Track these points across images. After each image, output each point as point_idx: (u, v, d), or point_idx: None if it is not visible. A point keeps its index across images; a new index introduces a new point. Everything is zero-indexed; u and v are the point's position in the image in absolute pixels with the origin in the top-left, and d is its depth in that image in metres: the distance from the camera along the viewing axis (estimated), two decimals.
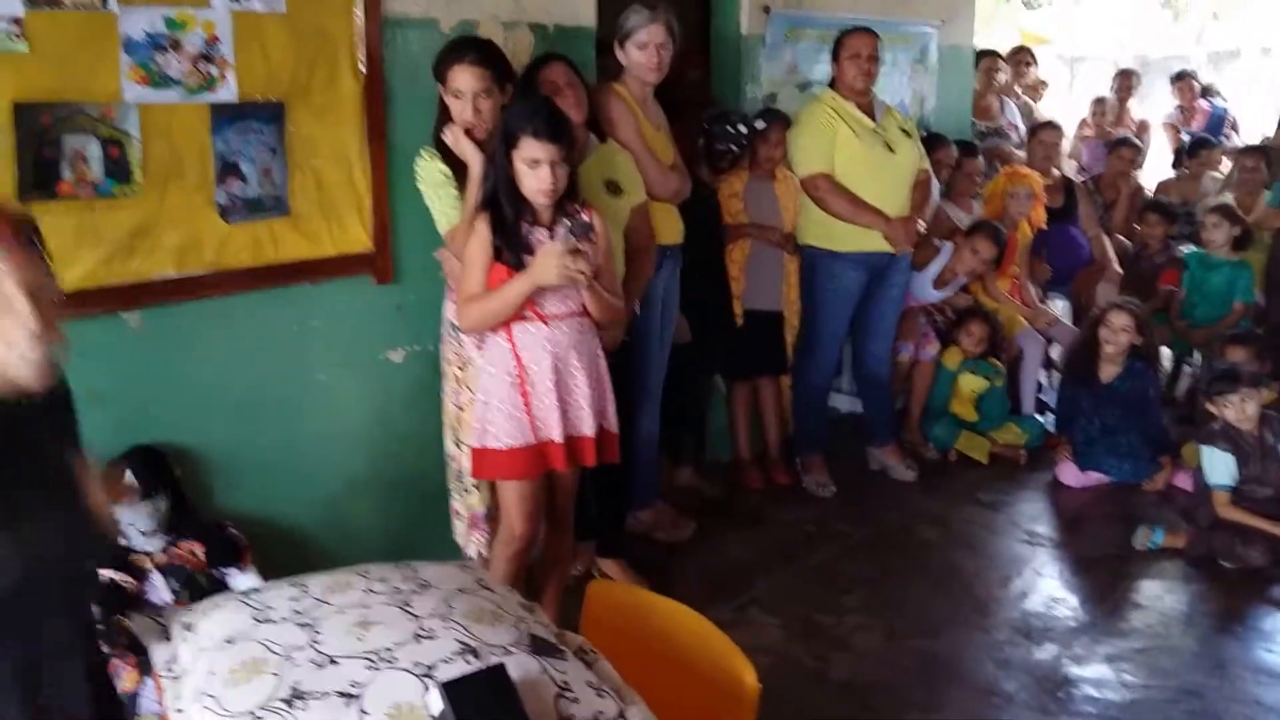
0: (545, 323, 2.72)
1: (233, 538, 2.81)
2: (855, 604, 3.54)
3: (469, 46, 2.94)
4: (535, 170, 2.62)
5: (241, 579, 2.78)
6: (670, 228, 3.59)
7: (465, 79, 2.86)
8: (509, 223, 2.67)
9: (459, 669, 1.53)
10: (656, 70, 3.42)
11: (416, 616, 1.67)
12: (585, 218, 2.75)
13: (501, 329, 2.73)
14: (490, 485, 3.00)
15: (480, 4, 3.29)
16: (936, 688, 3.09)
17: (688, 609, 2.01)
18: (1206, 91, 8.06)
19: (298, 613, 1.69)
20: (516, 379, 2.72)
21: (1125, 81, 7.51)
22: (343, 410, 3.20)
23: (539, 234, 2.71)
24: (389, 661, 1.55)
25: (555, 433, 2.75)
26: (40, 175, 2.46)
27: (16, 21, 2.36)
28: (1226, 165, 6.57)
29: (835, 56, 4.20)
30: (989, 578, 3.81)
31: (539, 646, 1.65)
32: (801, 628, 3.37)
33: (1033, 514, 4.41)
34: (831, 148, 4.15)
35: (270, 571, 2.78)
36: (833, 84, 4.25)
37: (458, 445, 3.06)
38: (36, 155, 2.44)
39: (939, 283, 4.84)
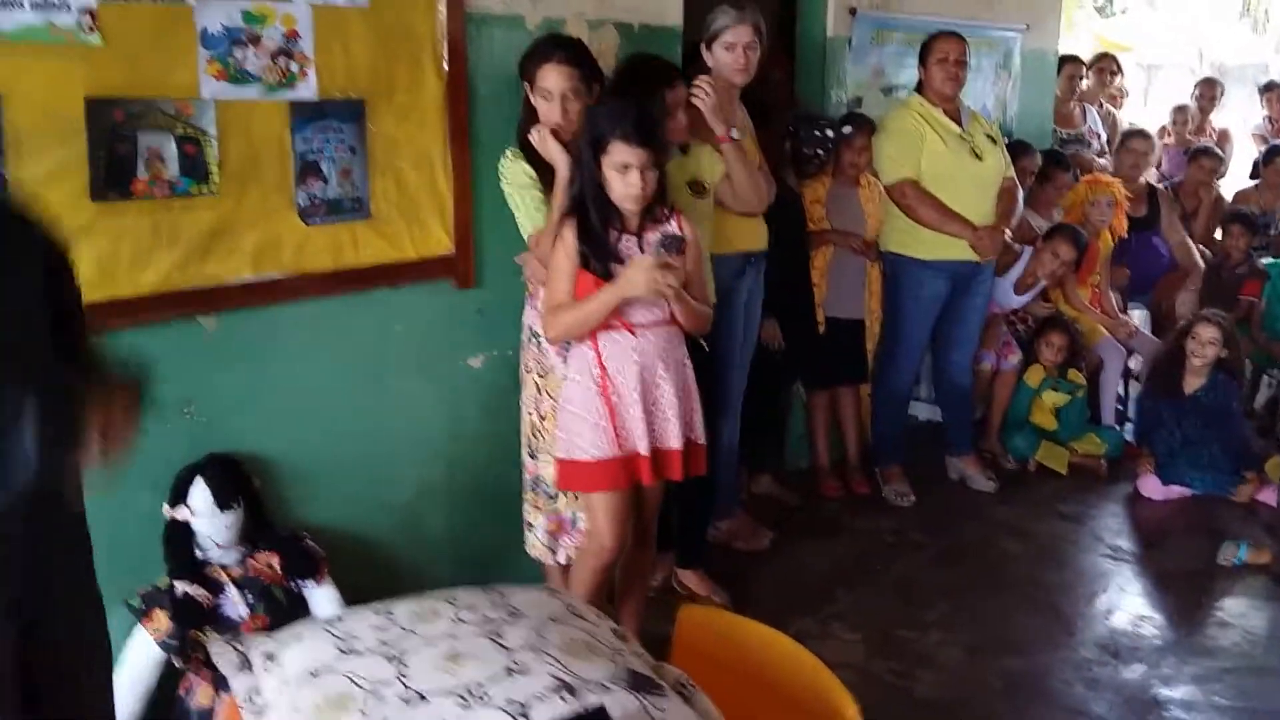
0: (632, 332, 2.48)
1: (309, 549, 2.57)
2: (937, 618, 3.28)
3: (558, 45, 2.70)
4: (625, 175, 2.39)
5: (318, 591, 2.55)
6: (753, 234, 3.30)
7: (554, 78, 2.62)
8: (596, 230, 2.44)
9: (555, 708, 1.37)
10: (744, 71, 3.13)
11: (508, 649, 1.50)
12: (676, 228, 2.50)
13: (587, 338, 2.49)
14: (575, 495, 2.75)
15: (566, 2, 3.02)
16: (1023, 707, 2.87)
17: (784, 636, 1.81)
18: None
19: (384, 644, 1.53)
20: (601, 389, 2.49)
21: (1208, 90, 7.02)
22: (420, 417, 2.95)
23: (627, 241, 2.47)
24: (481, 699, 1.39)
25: (641, 445, 2.51)
26: (114, 174, 2.23)
27: (89, 13, 2.13)
28: None
29: (923, 60, 3.90)
30: (1073, 593, 3.53)
31: (638, 682, 1.47)
32: (883, 642, 3.13)
33: (1115, 527, 4.10)
34: (918, 154, 3.85)
35: (346, 583, 2.59)
36: (919, 89, 3.94)
37: (533, 455, 2.83)
38: (110, 152, 2.21)
39: (1020, 287, 4.51)
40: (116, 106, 2.20)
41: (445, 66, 2.75)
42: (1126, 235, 5.04)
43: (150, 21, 2.22)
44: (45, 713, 1.43)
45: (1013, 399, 4.60)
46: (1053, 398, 4.57)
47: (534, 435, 2.82)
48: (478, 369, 3.03)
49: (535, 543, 2.88)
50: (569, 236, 2.45)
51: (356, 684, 1.44)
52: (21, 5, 2.06)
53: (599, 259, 2.44)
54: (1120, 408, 4.86)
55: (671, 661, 1.74)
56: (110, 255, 2.25)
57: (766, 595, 3.36)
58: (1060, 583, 3.59)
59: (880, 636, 3.16)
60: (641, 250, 2.47)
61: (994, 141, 3.99)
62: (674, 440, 2.56)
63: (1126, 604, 3.44)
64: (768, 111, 3.50)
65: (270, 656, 1.57)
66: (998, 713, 2.82)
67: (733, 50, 3.10)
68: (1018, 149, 4.66)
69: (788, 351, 3.74)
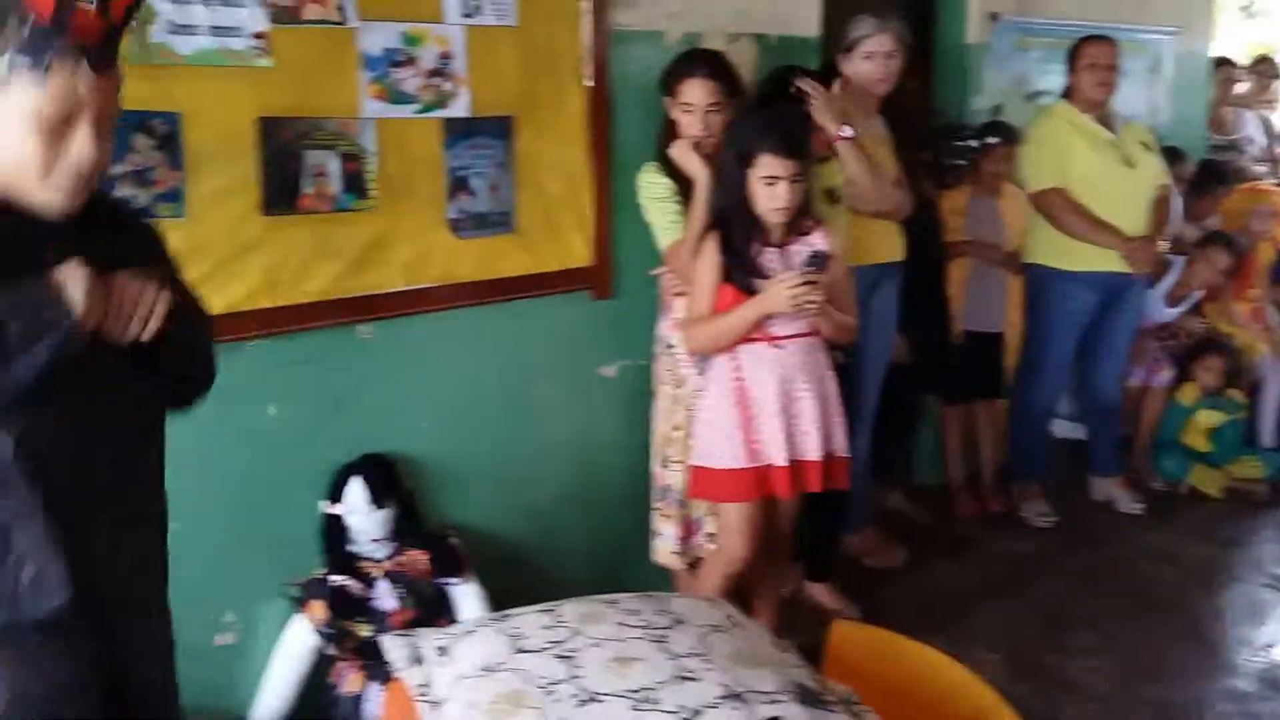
0: (773, 345, 2.50)
1: (455, 548, 2.67)
2: (1081, 643, 3.17)
3: (701, 59, 2.75)
4: (773, 188, 2.41)
5: (462, 588, 2.65)
6: (890, 245, 3.28)
7: (697, 92, 2.67)
8: (739, 244, 2.47)
9: (727, 717, 1.40)
10: (885, 81, 3.12)
11: (675, 655, 1.55)
12: (819, 242, 2.51)
13: (727, 349, 2.52)
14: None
15: (706, 16, 3.07)
16: None
17: (946, 657, 1.81)
18: None
19: (555, 642, 1.60)
20: (738, 400, 2.52)
21: None
22: (557, 424, 3.03)
23: (770, 255, 2.49)
24: (653, 703, 1.44)
25: (779, 456, 2.52)
26: (282, 189, 2.37)
27: (261, 37, 2.27)
28: None
29: (1071, 66, 3.79)
30: (1228, 622, 3.38)
31: (807, 696, 1.49)
32: (1025, 665, 3.04)
33: (1275, 555, 3.88)
34: (1066, 162, 3.74)
35: (486, 582, 2.68)
36: (1067, 94, 3.83)
37: (664, 464, 2.87)
38: (280, 170, 2.36)
39: (1172, 299, 4.35)
40: (285, 126, 2.34)
41: (588, 82, 2.83)
42: None
43: (317, 45, 2.36)
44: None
45: (1164, 418, 4.43)
46: (1208, 417, 4.37)
47: (665, 444, 2.86)
48: (612, 378, 3.10)
49: (663, 549, 2.92)
50: (712, 250, 2.48)
51: (531, 681, 1.48)
52: (199, 30, 2.20)
53: (741, 273, 2.47)
54: None
55: (824, 676, 1.74)
56: (278, 266, 2.40)
57: (898, 613, 3.28)
58: (1214, 611, 3.44)
59: (1021, 659, 3.08)
60: (785, 264, 2.48)
61: (1148, 149, 3.85)
62: (813, 452, 2.56)
63: None
64: (904, 121, 3.48)
65: (443, 650, 1.63)
66: None
67: (873, 59, 3.09)
68: (1170, 156, 4.50)
69: (921, 364, 3.68)
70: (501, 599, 2.52)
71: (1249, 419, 4.51)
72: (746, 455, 2.52)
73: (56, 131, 1.32)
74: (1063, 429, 4.52)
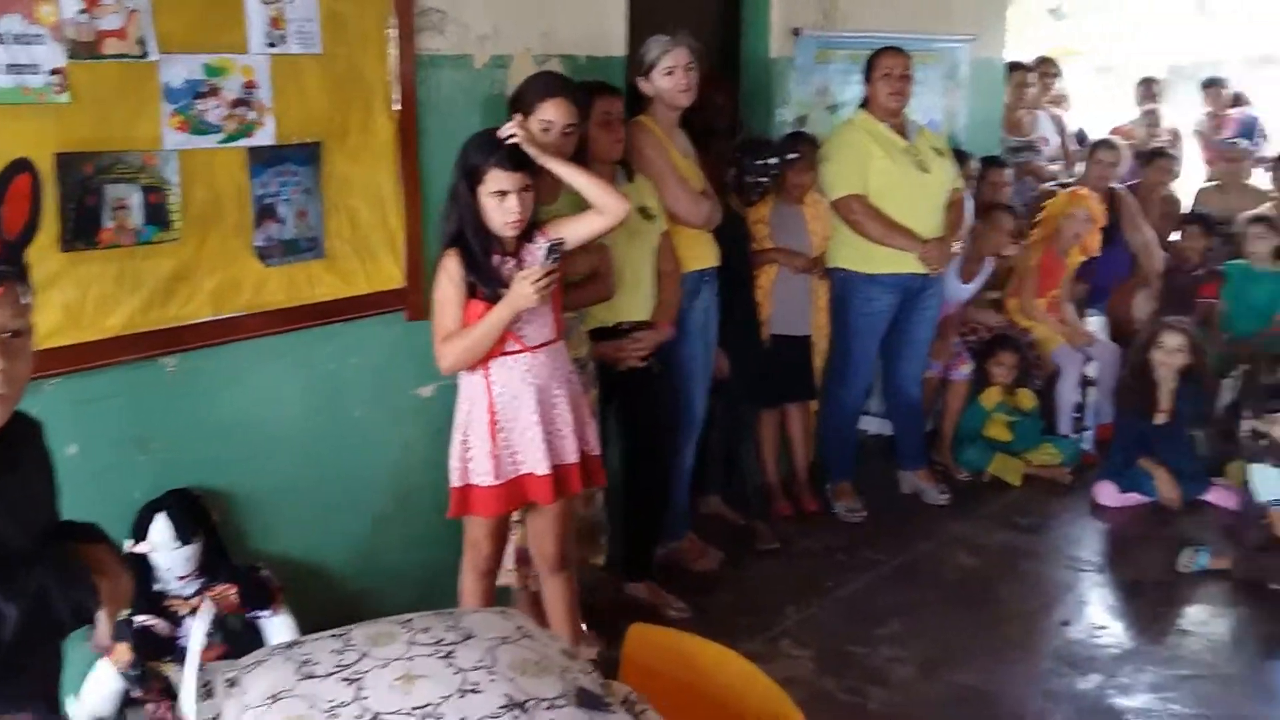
0: (528, 352, 2.77)
1: (265, 580, 2.86)
2: (890, 635, 3.53)
3: (561, 80, 3.05)
4: (503, 201, 2.68)
5: (274, 621, 2.83)
6: (705, 253, 3.67)
7: (556, 112, 2.93)
8: (479, 258, 2.72)
9: None
10: (687, 92, 3.49)
11: (461, 669, 1.69)
12: (553, 237, 2.78)
13: (479, 365, 2.77)
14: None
15: (513, 39, 3.35)
16: None
17: (732, 653, 2.04)
18: (1237, 99, 8.03)
19: (343, 666, 1.71)
20: (492, 416, 2.77)
21: (1148, 90, 7.53)
22: (374, 447, 3.25)
23: (509, 264, 2.75)
24: (435, 718, 1.57)
25: (540, 465, 2.80)
26: (82, 224, 2.52)
27: (58, 73, 2.42)
28: (1261, 174, 6.57)
29: (867, 77, 4.25)
30: (1029, 605, 3.82)
31: (586, 699, 1.67)
32: (835, 660, 3.38)
33: (1072, 537, 4.43)
34: (865, 170, 4.19)
35: (303, 613, 2.86)
36: (865, 105, 4.28)
37: None
38: (79, 205, 2.50)
39: (966, 274, 4.85)
40: (86, 160, 2.50)
41: (397, 107, 3.08)
42: (1098, 254, 5.34)
43: (116, 79, 2.52)
44: None
45: (966, 413, 4.95)
46: (1007, 416, 4.93)
47: None
48: (430, 398, 3.33)
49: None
50: (453, 267, 2.71)
51: (315, 706, 1.61)
52: None
53: (487, 284, 2.70)
54: (1078, 415, 5.19)
55: (621, 679, 1.96)
56: (78, 301, 2.54)
57: (716, 615, 3.59)
58: (1016, 595, 3.87)
59: (831, 654, 3.39)
60: (525, 266, 2.72)
61: (942, 154, 4.34)
62: (571, 455, 2.86)
63: (1084, 614, 3.73)
64: (710, 135, 3.85)
65: (232, 682, 1.75)
66: None
67: (672, 74, 3.45)
68: (959, 158, 5.00)
69: (734, 372, 4.02)
70: (320, 628, 2.70)
71: (1046, 408, 5.07)
72: (503, 470, 2.79)
73: None
74: (873, 426, 4.99)
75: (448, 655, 1.73)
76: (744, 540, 4.21)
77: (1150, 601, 3.85)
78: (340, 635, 1.83)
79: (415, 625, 1.84)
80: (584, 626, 3.21)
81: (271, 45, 2.79)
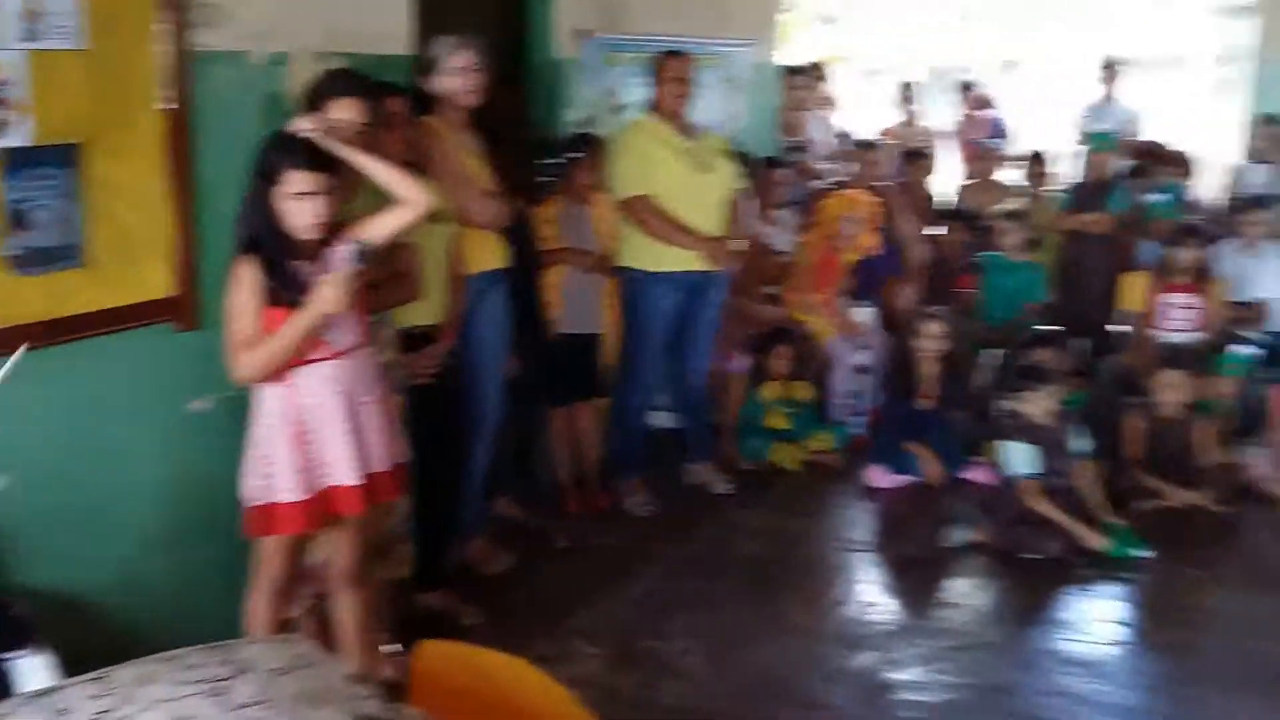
0: (334, 359, 2.67)
1: (18, 618, 2.61)
2: (680, 627, 3.58)
3: (352, 79, 2.90)
4: (303, 203, 2.57)
5: (27, 662, 2.58)
6: (493, 253, 3.62)
7: (347, 112, 2.80)
8: (279, 263, 2.60)
9: None
10: (474, 93, 3.43)
11: (236, 706, 1.59)
12: (359, 239, 2.68)
13: (280, 375, 2.65)
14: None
15: (293, 36, 3.19)
16: (765, 706, 3.18)
17: (524, 663, 2.01)
18: (988, 102, 8.58)
19: (102, 713, 1.59)
20: (296, 428, 2.66)
21: (907, 93, 7.97)
22: (144, 465, 3.04)
23: (310, 269, 2.64)
24: None
25: (349, 475, 2.71)
26: None
27: None
28: (1009, 171, 7.03)
29: (652, 80, 4.30)
30: (809, 588, 3.95)
31: None
32: (627, 656, 3.40)
33: (847, 520, 4.63)
34: (649, 171, 4.24)
35: (66, 651, 2.60)
36: (651, 107, 4.33)
37: None
38: None
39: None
40: None
41: (168, 106, 2.88)
42: (874, 253, 5.55)
43: None
44: None
45: (746, 405, 5.09)
46: (784, 410, 5.11)
47: None
48: (206, 412, 3.14)
49: None
50: (250, 274, 2.58)
51: None
52: None
53: (289, 290, 2.58)
54: (854, 401, 5.40)
55: (412, 700, 1.90)
56: None
57: (508, 618, 3.54)
58: (797, 579, 4.00)
59: (623, 650, 3.40)
60: (329, 269, 2.61)
61: (723, 155, 4.44)
62: (381, 463, 2.78)
63: (858, 593, 3.89)
64: (498, 136, 3.78)
65: None
66: (741, 715, 3.11)
67: (459, 75, 3.39)
68: (741, 160, 5.13)
69: (524, 371, 3.97)
70: (86, 665, 2.51)
71: (821, 397, 5.29)
72: (306, 485, 2.67)
73: None
74: (662, 421, 5.02)
75: (220, 693, 1.62)
76: (536, 540, 4.17)
77: (918, 577, 4.04)
78: (99, 679, 1.68)
79: (183, 662, 1.72)
80: (384, 645, 3.11)
81: (28, 40, 2.55)
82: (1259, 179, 6.35)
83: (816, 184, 6.15)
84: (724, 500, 4.66)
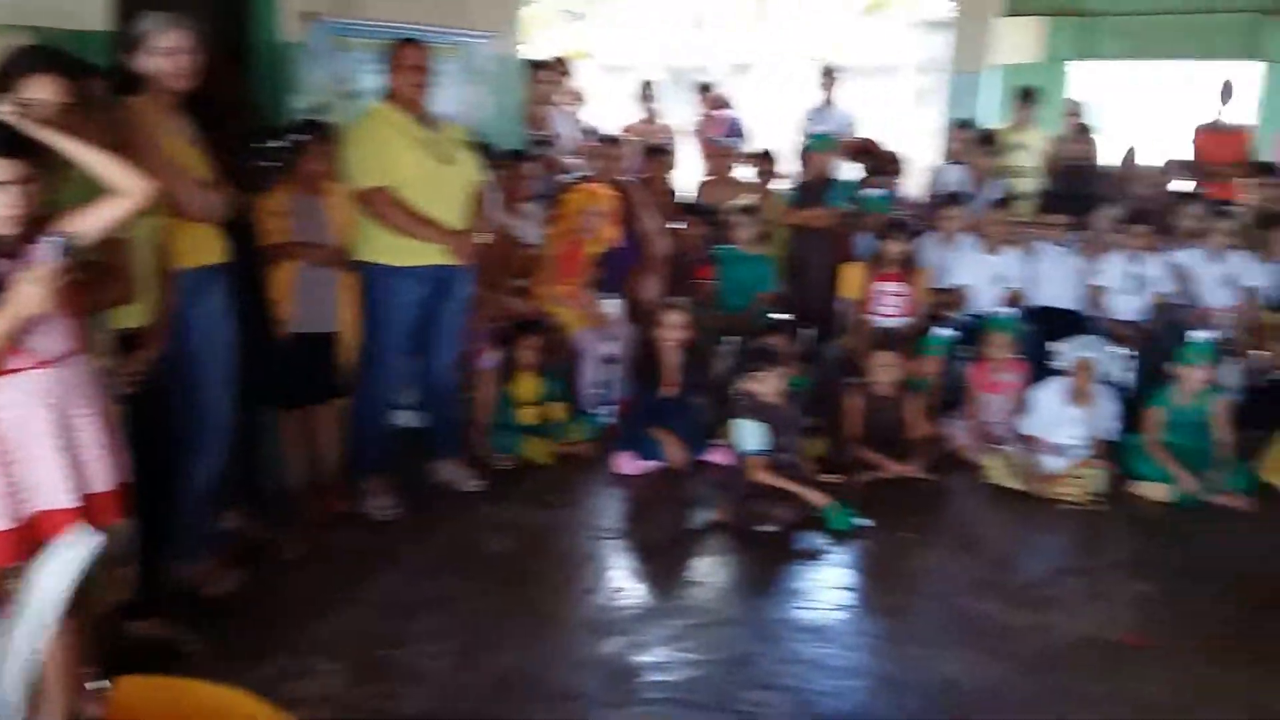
0: (41, 368, 2.41)
1: None
2: (425, 630, 3.44)
3: (45, 55, 2.64)
4: None
5: None
6: (210, 247, 3.35)
7: (43, 90, 2.54)
8: None
9: None
10: (185, 75, 3.17)
11: None
12: (65, 232, 2.43)
13: None
14: None
15: None
16: (514, 702, 3.11)
17: (240, 693, 1.88)
18: (726, 102, 8.84)
19: None
20: None
21: (646, 91, 8.12)
22: None
23: (6, 266, 2.37)
24: None
25: (62, 498, 2.44)
26: None
27: None
28: (745, 169, 7.26)
29: (389, 68, 4.12)
30: (557, 580, 3.90)
31: None
32: (369, 667, 3.22)
33: (596, 508, 4.62)
34: (388, 161, 4.06)
35: None
36: (387, 95, 4.16)
37: None
38: None
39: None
40: None
41: None
42: (617, 244, 5.60)
43: None
44: None
45: (498, 403, 5.01)
46: (534, 404, 5.07)
47: None
48: None
49: None
50: None
51: None
52: None
53: None
54: (603, 392, 5.41)
55: None
56: None
57: (238, 641, 3.27)
58: (546, 571, 3.95)
59: (364, 661, 3.23)
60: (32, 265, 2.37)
61: (465, 147, 4.31)
62: (102, 482, 2.53)
63: (606, 580, 3.87)
64: (215, 121, 3.50)
65: None
66: (491, 714, 3.03)
67: (165, 56, 3.13)
68: (484, 151, 5.04)
69: (247, 374, 3.63)
70: None
71: (570, 388, 5.28)
72: (11, 511, 2.40)
73: None
74: (405, 419, 4.86)
75: None
76: (267, 553, 3.88)
77: (664, 560, 4.08)
78: None
79: None
80: (91, 681, 2.79)
81: None
82: (954, 178, 6.85)
83: (562, 178, 6.13)
84: (474, 498, 4.54)
